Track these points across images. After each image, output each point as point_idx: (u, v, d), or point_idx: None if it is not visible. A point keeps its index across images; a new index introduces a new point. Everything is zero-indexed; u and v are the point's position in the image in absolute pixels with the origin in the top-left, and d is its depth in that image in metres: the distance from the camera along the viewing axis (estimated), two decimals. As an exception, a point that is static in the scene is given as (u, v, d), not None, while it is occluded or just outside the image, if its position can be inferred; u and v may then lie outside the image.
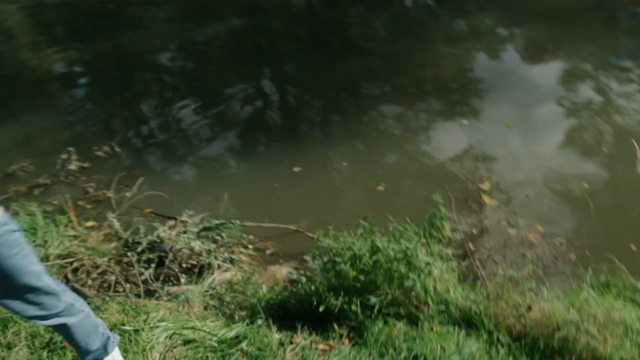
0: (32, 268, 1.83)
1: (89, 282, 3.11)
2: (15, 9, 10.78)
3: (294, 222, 3.70)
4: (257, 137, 5.00)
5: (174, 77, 6.53)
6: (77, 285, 3.06)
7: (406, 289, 2.53)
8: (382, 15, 7.79)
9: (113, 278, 3.12)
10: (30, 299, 1.87)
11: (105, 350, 2.17)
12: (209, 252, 3.32)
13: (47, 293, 1.89)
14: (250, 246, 3.50)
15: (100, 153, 4.61)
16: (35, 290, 1.86)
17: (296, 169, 4.31)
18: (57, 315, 1.96)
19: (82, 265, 3.24)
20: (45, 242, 3.34)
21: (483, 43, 6.53)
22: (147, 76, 6.66)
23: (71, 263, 3.25)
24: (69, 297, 2.00)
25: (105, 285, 3.10)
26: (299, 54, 6.93)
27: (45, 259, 3.24)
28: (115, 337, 2.23)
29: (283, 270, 3.29)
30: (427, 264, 2.57)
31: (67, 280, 3.11)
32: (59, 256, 3.31)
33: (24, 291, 1.85)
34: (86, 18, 9.89)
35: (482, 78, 5.73)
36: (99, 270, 3.18)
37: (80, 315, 2.03)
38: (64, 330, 2.05)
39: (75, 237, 3.46)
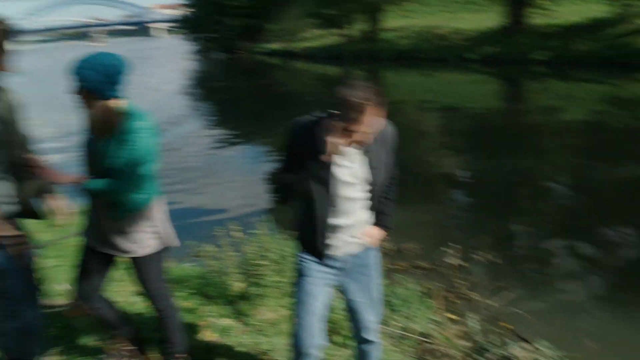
0: None
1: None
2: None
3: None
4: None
5: (553, 209, 6.69)
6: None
7: None
8: None
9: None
10: None
11: None
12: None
13: None
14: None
15: (480, 258, 4.96)
16: None
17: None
18: None
19: (437, 350, 3.65)
20: (411, 316, 3.79)
21: None
22: (528, 202, 6.97)
23: (428, 343, 3.70)
24: None
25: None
26: None
27: (404, 329, 3.67)
28: None
29: None
30: None
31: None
32: (419, 333, 3.71)
33: None
34: (490, 134, 11.03)
35: None
36: (449, 361, 3.45)
37: None
38: None
39: (436, 322, 3.81)
